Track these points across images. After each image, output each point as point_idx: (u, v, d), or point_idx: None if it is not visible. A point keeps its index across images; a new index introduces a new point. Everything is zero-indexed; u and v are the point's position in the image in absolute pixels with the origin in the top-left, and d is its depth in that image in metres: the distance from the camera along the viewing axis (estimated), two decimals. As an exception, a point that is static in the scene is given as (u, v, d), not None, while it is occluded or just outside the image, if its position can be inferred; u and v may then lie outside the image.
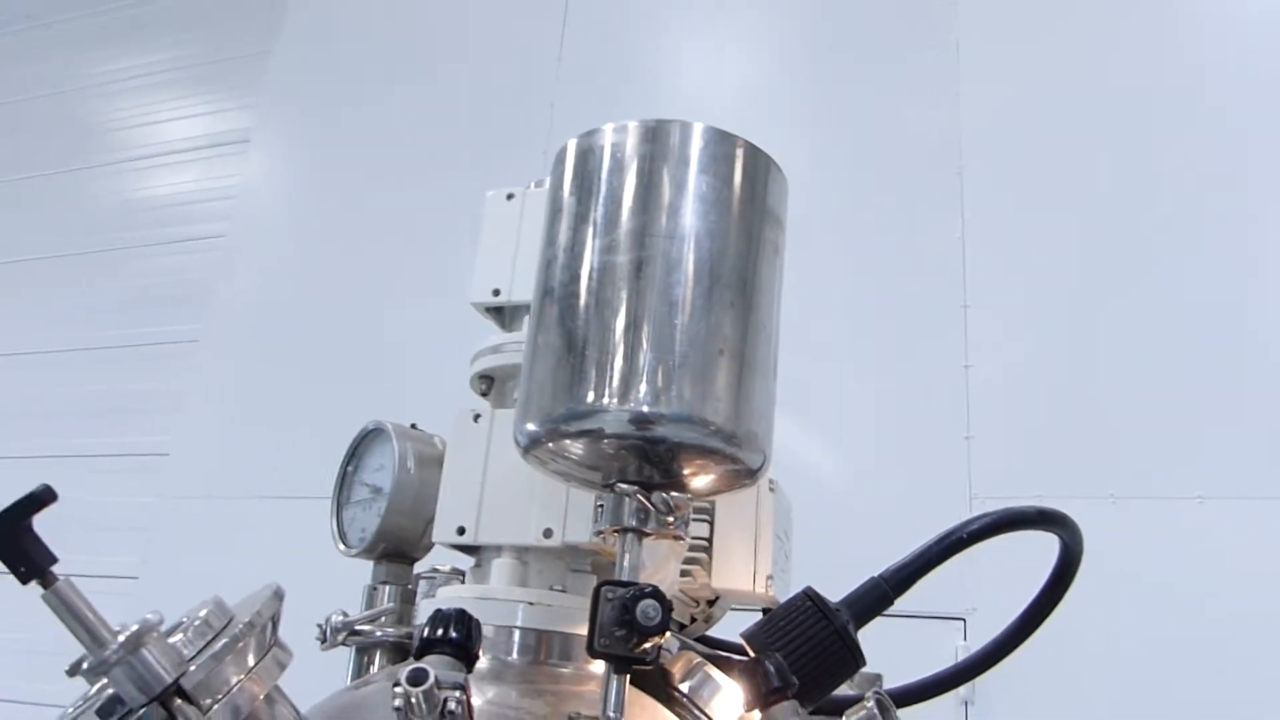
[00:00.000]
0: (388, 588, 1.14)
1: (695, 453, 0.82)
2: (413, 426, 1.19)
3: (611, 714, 0.77)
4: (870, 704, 0.90)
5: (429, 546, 1.17)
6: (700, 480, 0.86)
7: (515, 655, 0.96)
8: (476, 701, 0.77)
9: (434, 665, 0.71)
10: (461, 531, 1.03)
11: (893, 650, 3.76)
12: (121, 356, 5.66)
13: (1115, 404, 3.74)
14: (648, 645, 0.77)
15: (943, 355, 3.95)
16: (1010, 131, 4.19)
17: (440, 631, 0.75)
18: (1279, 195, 3.77)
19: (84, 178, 6.32)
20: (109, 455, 5.44)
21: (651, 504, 0.81)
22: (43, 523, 0.65)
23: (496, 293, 1.13)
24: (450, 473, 1.06)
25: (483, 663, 0.94)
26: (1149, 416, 3.67)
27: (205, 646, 0.67)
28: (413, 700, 0.67)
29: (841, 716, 0.91)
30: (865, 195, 4.29)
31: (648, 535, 0.83)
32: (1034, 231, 4.01)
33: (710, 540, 1.20)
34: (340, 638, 1.08)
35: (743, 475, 0.87)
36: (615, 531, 0.83)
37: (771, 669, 0.82)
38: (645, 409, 0.79)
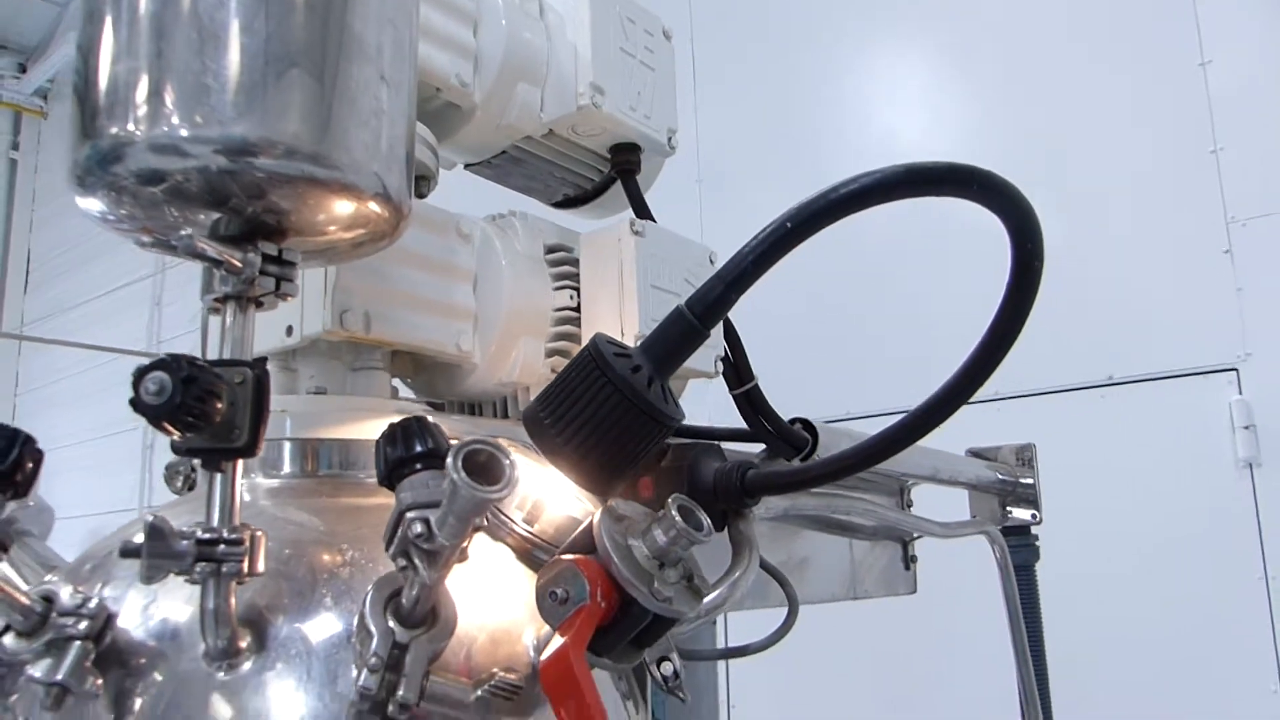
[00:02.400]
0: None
1: (275, 184, 0.62)
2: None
3: (215, 521, 0.62)
4: (674, 512, 0.68)
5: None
6: (313, 224, 0.66)
7: (287, 469, 0.82)
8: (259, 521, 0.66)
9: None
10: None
11: (1154, 417, 3.25)
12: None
13: None
14: (231, 421, 0.60)
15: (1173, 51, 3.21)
16: None
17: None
18: None
19: None
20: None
21: (224, 258, 0.62)
22: None
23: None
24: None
25: (264, 480, 0.81)
26: None
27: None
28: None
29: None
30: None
31: (255, 300, 0.65)
32: None
33: (578, 310, 0.99)
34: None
35: (370, 213, 0.66)
36: (218, 302, 0.66)
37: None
38: (181, 130, 0.60)
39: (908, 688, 3.37)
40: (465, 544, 0.59)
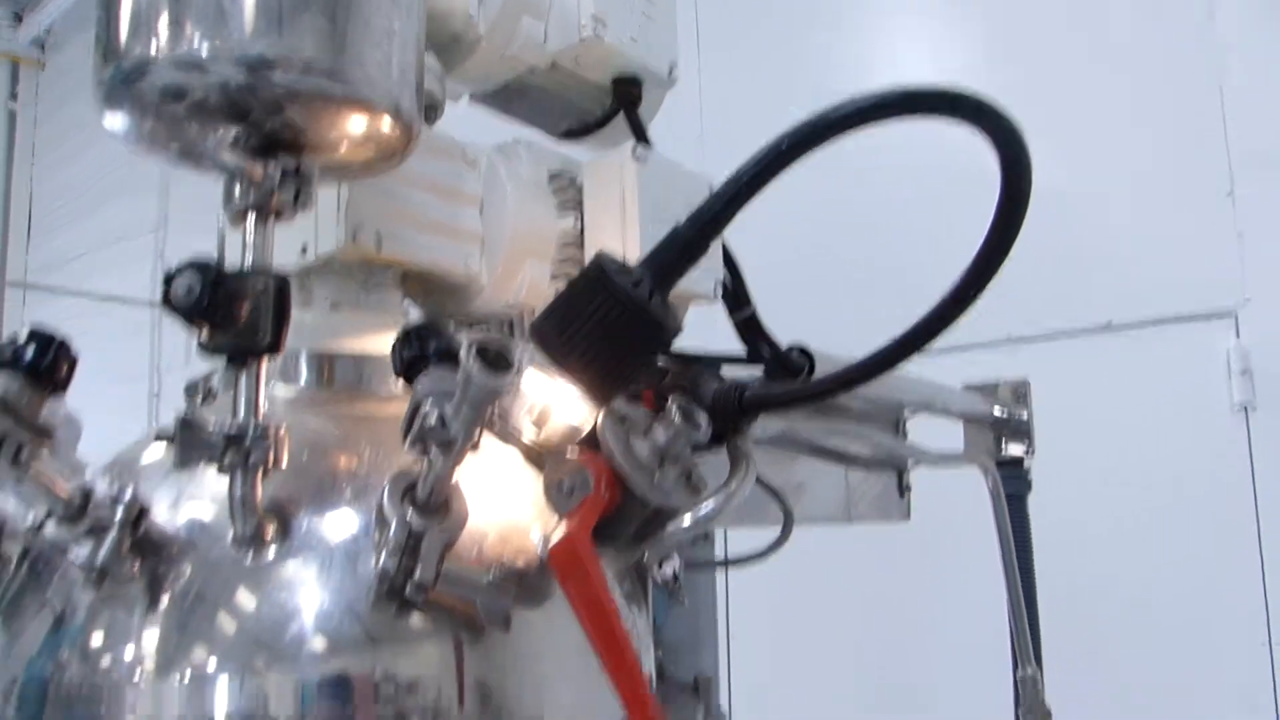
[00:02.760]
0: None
1: (293, 99, 0.65)
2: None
3: (240, 416, 0.66)
4: (673, 412, 0.72)
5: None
6: (329, 139, 0.69)
7: (304, 382, 0.86)
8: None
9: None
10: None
11: (1153, 361, 3.28)
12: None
13: None
14: (255, 322, 0.64)
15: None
16: None
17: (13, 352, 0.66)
18: None
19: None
20: None
21: (246, 169, 0.66)
22: None
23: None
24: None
25: (283, 391, 0.85)
26: None
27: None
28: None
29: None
30: None
31: (275, 211, 0.69)
32: None
33: (582, 234, 1.02)
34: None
35: (382, 129, 0.70)
36: (240, 214, 0.69)
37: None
38: (202, 48, 0.63)
39: (902, 620, 3.45)
40: (476, 436, 0.63)
